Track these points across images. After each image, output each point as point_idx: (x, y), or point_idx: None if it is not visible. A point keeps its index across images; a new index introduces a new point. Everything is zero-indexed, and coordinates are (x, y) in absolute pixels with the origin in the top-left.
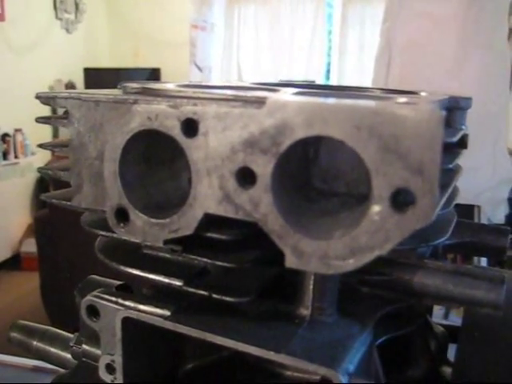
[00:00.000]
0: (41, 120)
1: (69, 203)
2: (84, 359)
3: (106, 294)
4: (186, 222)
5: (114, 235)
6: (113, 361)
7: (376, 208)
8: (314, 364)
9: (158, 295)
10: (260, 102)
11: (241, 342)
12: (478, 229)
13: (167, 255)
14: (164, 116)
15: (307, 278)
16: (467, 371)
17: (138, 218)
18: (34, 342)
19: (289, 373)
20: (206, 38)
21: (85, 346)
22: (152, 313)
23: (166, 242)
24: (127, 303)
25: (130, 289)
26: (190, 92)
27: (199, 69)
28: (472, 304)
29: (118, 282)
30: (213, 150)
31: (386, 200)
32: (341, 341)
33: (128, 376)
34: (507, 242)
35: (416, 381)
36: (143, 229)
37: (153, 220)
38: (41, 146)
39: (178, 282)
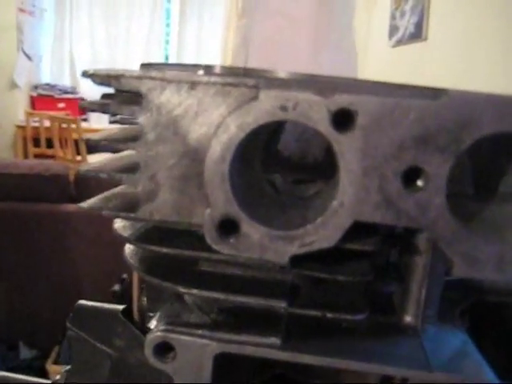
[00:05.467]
0: (88, 106)
1: (132, 215)
2: None
3: (180, 325)
4: (327, 233)
5: (186, 252)
6: None
7: None
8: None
9: (233, 320)
10: (436, 94)
11: (376, 364)
12: None
13: (227, 271)
14: (307, 105)
15: (416, 285)
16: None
17: (253, 229)
18: None
19: None
20: (34, 24)
21: None
22: (258, 343)
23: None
24: (218, 335)
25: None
26: (330, 77)
27: (28, 57)
28: None
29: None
30: (373, 146)
31: None
32: (462, 348)
33: None
34: None
35: None
36: (261, 243)
37: (275, 232)
38: (88, 140)
39: (281, 304)
